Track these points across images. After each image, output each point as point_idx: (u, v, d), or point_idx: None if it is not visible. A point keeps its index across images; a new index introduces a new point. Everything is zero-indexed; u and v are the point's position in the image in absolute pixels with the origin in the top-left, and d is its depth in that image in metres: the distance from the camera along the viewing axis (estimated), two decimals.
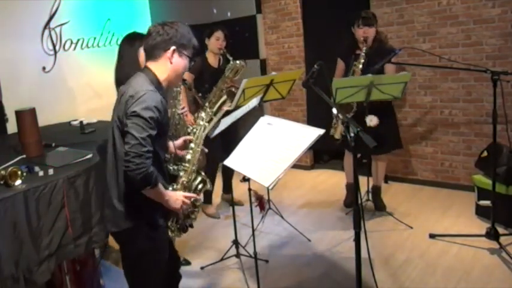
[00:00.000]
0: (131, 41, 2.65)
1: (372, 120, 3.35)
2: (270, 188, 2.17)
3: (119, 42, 2.79)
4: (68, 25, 3.81)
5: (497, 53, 3.81)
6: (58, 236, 2.18)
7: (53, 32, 3.73)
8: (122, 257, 2.09)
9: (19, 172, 2.11)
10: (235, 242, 3.19)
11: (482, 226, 3.28)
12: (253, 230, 2.90)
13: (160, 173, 1.94)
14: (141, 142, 1.74)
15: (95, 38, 4.02)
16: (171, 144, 2.20)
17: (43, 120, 3.08)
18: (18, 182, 2.09)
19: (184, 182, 2.12)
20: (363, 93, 3.25)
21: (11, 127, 3.30)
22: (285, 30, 5.19)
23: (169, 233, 2.08)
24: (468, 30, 3.93)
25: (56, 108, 3.71)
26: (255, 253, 2.77)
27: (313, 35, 5.00)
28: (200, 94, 3.66)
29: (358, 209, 1.92)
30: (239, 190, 3.89)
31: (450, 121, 4.19)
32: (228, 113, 3.01)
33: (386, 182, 4.49)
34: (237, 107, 3.13)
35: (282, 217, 3.77)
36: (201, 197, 2.22)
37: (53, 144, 2.83)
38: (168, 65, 1.91)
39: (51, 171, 2.29)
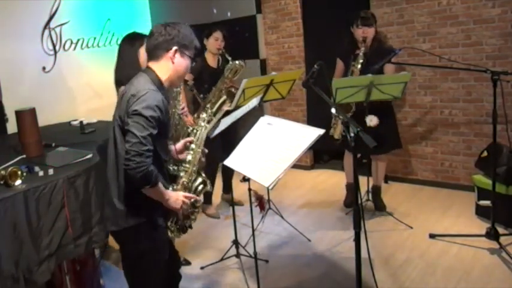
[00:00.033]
0: (131, 41, 2.65)
1: (372, 120, 3.35)
2: (270, 188, 2.17)
3: (119, 42, 2.79)
4: (68, 25, 3.82)
5: (497, 53, 3.81)
6: (58, 236, 2.18)
7: (53, 32, 3.73)
8: (121, 257, 2.09)
9: (19, 172, 2.11)
10: (235, 242, 3.19)
11: (482, 226, 3.28)
12: (253, 230, 2.90)
13: (160, 173, 1.94)
14: (142, 141, 1.75)
15: (95, 38, 4.02)
16: (172, 147, 2.20)
17: (43, 120, 3.08)
18: (18, 182, 2.10)
19: (185, 183, 2.12)
20: (363, 93, 3.25)
21: (11, 127, 3.30)
22: (285, 30, 5.19)
23: (169, 233, 2.08)
24: (468, 30, 3.93)
25: (56, 108, 3.71)
26: (255, 253, 2.77)
27: (313, 35, 5.00)
28: (202, 95, 3.66)
29: (358, 209, 1.92)
30: (239, 190, 3.89)
31: (450, 121, 4.19)
32: (228, 113, 3.01)
33: (386, 182, 4.49)
34: (237, 107, 3.13)
35: (282, 217, 3.77)
36: (201, 198, 2.21)
37: (53, 144, 2.83)
38: (170, 65, 1.93)
39: (51, 171, 2.29)
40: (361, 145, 1.89)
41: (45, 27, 3.68)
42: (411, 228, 3.50)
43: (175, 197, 1.99)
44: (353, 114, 3.50)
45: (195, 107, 3.77)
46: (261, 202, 3.77)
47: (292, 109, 5.33)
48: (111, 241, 2.59)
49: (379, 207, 3.83)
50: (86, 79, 3.94)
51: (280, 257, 3.26)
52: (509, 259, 2.91)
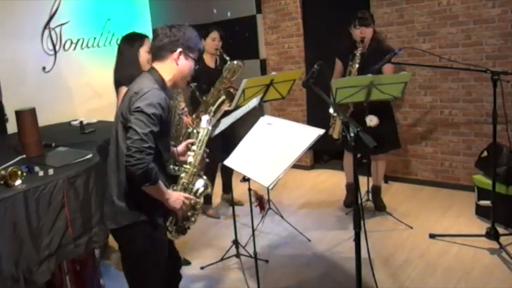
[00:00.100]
0: (131, 41, 2.65)
1: (372, 120, 3.35)
2: (270, 188, 2.17)
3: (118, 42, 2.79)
4: (68, 25, 3.81)
5: (497, 53, 3.81)
6: (58, 236, 2.17)
7: (53, 32, 3.73)
8: (121, 257, 2.09)
9: (19, 172, 2.11)
10: (235, 242, 3.19)
11: (482, 226, 3.28)
12: (253, 230, 2.90)
13: (162, 172, 1.95)
14: (143, 138, 1.76)
15: (95, 38, 4.02)
16: (174, 150, 2.20)
17: (43, 120, 3.08)
18: (18, 182, 2.09)
19: (185, 184, 2.12)
20: (362, 93, 3.25)
21: (11, 127, 3.30)
22: (285, 30, 5.19)
23: (168, 234, 2.07)
24: (468, 30, 3.93)
25: (56, 108, 3.71)
26: (255, 253, 2.77)
27: (313, 35, 5.00)
28: (204, 98, 3.66)
29: (358, 209, 1.92)
30: (239, 190, 3.89)
31: (450, 121, 4.19)
32: (228, 113, 3.00)
33: (386, 182, 4.49)
34: (237, 107, 3.13)
35: (282, 217, 3.77)
36: (201, 200, 2.21)
37: (53, 144, 2.83)
38: (174, 66, 1.95)
39: (51, 171, 2.28)
40: (360, 145, 1.89)
41: (45, 27, 3.68)
42: (411, 228, 3.50)
43: (176, 196, 1.99)
44: (351, 114, 3.51)
45: (194, 107, 3.76)
46: (261, 202, 3.77)
47: (292, 109, 5.33)
48: (111, 241, 2.59)
49: (379, 207, 3.83)
50: (86, 79, 3.94)
51: (280, 257, 3.26)
52: (509, 259, 2.91)
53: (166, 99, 1.88)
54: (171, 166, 2.45)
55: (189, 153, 2.19)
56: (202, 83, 3.73)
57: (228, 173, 3.88)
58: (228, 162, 2.53)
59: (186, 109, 3.26)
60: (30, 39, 3.59)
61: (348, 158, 3.92)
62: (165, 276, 2.10)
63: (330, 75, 3.70)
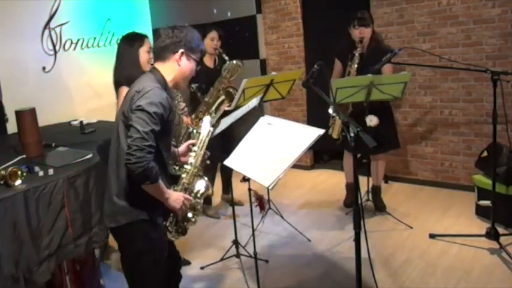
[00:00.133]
0: (131, 41, 2.65)
1: (372, 120, 3.35)
2: (270, 188, 2.18)
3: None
4: (68, 25, 3.81)
5: (497, 53, 3.81)
6: (58, 236, 2.17)
7: (53, 32, 3.73)
8: (121, 256, 2.09)
9: (19, 172, 2.11)
10: (235, 242, 3.19)
11: (482, 226, 3.28)
12: (253, 230, 2.90)
13: (162, 172, 1.95)
14: (144, 136, 1.77)
15: (95, 38, 4.02)
16: (175, 150, 2.20)
17: (43, 120, 3.08)
18: (18, 182, 2.09)
19: (185, 184, 2.12)
20: (362, 93, 3.25)
21: (11, 127, 3.30)
22: (285, 30, 5.19)
23: (168, 234, 2.07)
24: (468, 30, 3.93)
25: (56, 108, 3.71)
26: (255, 253, 2.77)
27: (313, 35, 5.00)
28: (206, 99, 3.65)
29: (358, 209, 1.92)
30: (239, 190, 3.89)
31: (450, 121, 4.19)
32: (228, 113, 3.00)
33: (386, 182, 4.49)
34: (237, 107, 3.13)
35: (282, 217, 3.77)
36: (201, 201, 2.21)
37: (53, 144, 2.83)
38: (176, 67, 1.97)
39: (51, 171, 2.28)
40: (360, 145, 1.89)
41: (45, 27, 3.68)
42: (411, 228, 3.50)
43: (176, 196, 1.99)
44: (350, 114, 3.51)
45: (193, 107, 3.76)
46: (261, 202, 3.78)
47: (292, 109, 5.33)
48: (111, 241, 2.59)
49: (379, 207, 3.83)
50: (86, 79, 3.94)
51: (280, 257, 3.26)
52: (509, 259, 2.91)
53: (168, 98, 1.89)
54: (172, 166, 2.45)
55: (190, 153, 2.19)
56: (201, 83, 3.73)
57: (227, 173, 3.88)
58: (228, 162, 2.53)
59: (186, 109, 3.27)
60: (30, 39, 3.59)
61: (348, 158, 3.92)
62: (165, 276, 2.10)
63: (329, 75, 3.71)
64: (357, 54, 3.51)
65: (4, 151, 2.78)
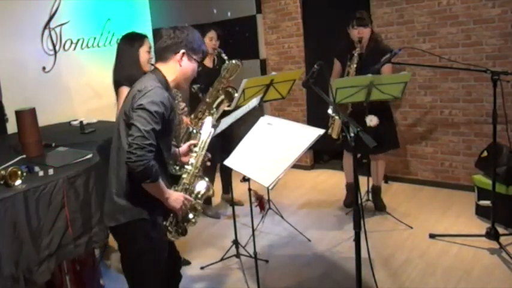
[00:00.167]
0: (131, 41, 2.65)
1: (372, 120, 3.35)
2: (270, 188, 2.17)
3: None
4: (68, 25, 3.81)
5: (497, 53, 3.81)
6: (58, 236, 2.17)
7: (53, 32, 3.73)
8: (121, 256, 2.10)
9: (19, 172, 2.11)
10: (235, 242, 3.19)
11: (482, 226, 3.28)
12: (253, 230, 2.90)
13: (163, 172, 1.96)
14: (145, 135, 1.77)
15: (95, 38, 4.02)
16: (176, 150, 2.20)
17: (43, 120, 3.08)
18: (18, 182, 2.09)
19: (186, 184, 2.12)
20: (363, 93, 3.25)
21: (11, 127, 3.30)
22: (285, 30, 5.19)
23: (168, 234, 2.07)
24: (468, 30, 3.93)
25: (56, 108, 3.71)
26: (255, 253, 2.77)
27: (313, 35, 5.00)
28: (206, 99, 3.65)
29: (358, 209, 1.92)
30: (239, 190, 3.89)
31: (450, 121, 4.19)
32: (228, 113, 3.00)
33: (386, 182, 4.49)
34: (237, 107, 3.13)
35: (282, 217, 3.77)
36: (201, 201, 2.21)
37: (53, 144, 2.83)
38: (177, 67, 1.98)
39: (51, 171, 2.29)
40: (360, 145, 1.89)
41: (45, 27, 3.68)
42: (411, 228, 3.50)
43: (176, 196, 1.99)
44: (350, 114, 3.51)
45: (192, 107, 3.76)
46: (261, 202, 3.77)
47: (292, 109, 5.33)
48: (111, 241, 2.59)
49: (379, 207, 3.83)
50: (85, 79, 3.94)
51: (280, 257, 3.26)
52: (509, 259, 2.91)
53: (169, 98, 1.90)
54: (173, 166, 2.45)
55: (191, 154, 2.20)
56: (200, 82, 3.73)
57: (227, 173, 3.88)
58: (228, 162, 2.53)
59: (186, 109, 3.27)
60: (30, 39, 3.59)
61: (348, 158, 3.92)
62: (165, 276, 2.10)
63: (329, 75, 3.71)
64: (356, 54, 3.51)
65: (4, 151, 2.78)
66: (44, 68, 3.69)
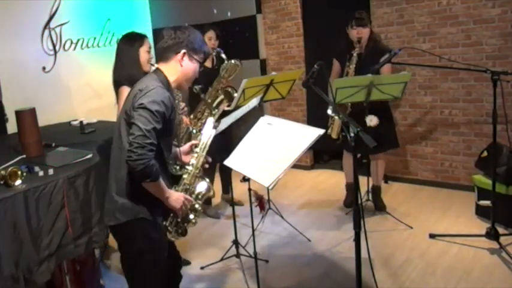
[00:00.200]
0: (131, 41, 2.65)
1: (372, 120, 3.36)
2: (270, 188, 2.17)
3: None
4: (68, 25, 3.82)
5: (497, 53, 3.81)
6: (58, 236, 2.17)
7: (53, 32, 3.73)
8: (120, 256, 2.09)
9: (19, 172, 2.11)
10: (235, 242, 3.19)
11: (482, 226, 3.28)
12: (253, 230, 2.90)
13: (163, 172, 1.96)
14: (145, 134, 1.78)
15: (95, 38, 4.02)
16: (177, 150, 2.21)
17: (43, 120, 3.08)
18: (18, 182, 2.09)
19: (186, 185, 2.12)
20: (363, 93, 3.25)
21: (11, 127, 3.30)
22: (285, 30, 5.19)
23: (167, 235, 2.07)
24: (468, 30, 3.93)
25: (56, 108, 3.71)
26: (255, 253, 2.77)
27: (313, 35, 5.00)
28: (210, 100, 3.65)
29: (358, 209, 1.92)
30: (239, 190, 3.89)
31: (450, 121, 4.19)
32: (228, 113, 3.00)
33: (386, 182, 4.49)
34: (237, 107, 3.13)
35: (282, 217, 3.77)
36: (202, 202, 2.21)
37: (53, 144, 2.83)
38: (179, 68, 1.99)
39: (51, 171, 2.29)
40: (360, 145, 1.89)
41: (45, 27, 3.68)
42: (411, 228, 3.50)
43: (176, 196, 1.99)
44: (349, 114, 3.50)
45: (191, 107, 3.75)
46: (261, 202, 3.77)
47: (292, 109, 5.33)
48: (111, 241, 2.59)
49: (379, 207, 3.83)
50: (86, 79, 3.94)
51: (280, 257, 3.26)
52: (509, 259, 2.91)
53: (170, 97, 1.90)
54: (173, 166, 2.44)
55: (192, 154, 2.20)
56: (199, 82, 3.72)
57: (227, 173, 3.88)
58: (228, 162, 2.53)
59: (186, 108, 3.27)
60: (30, 39, 3.59)
61: (347, 158, 3.92)
62: (165, 276, 2.10)
63: (329, 75, 3.71)
64: (355, 55, 3.52)
65: (4, 151, 2.78)
66: (44, 68, 3.69)
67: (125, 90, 2.41)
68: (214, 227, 3.87)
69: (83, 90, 3.93)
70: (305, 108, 5.21)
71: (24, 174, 2.15)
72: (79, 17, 3.88)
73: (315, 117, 4.97)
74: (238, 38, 5.40)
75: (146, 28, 4.27)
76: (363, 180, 3.55)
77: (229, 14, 5.50)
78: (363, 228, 1.93)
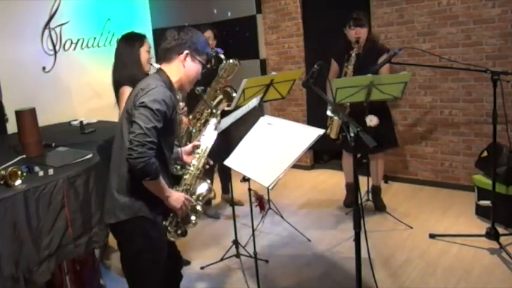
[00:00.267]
0: (131, 41, 2.65)
1: (372, 120, 3.36)
2: (270, 188, 2.17)
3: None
4: (68, 25, 3.82)
5: (497, 53, 3.81)
6: (58, 236, 2.18)
7: (53, 32, 3.73)
8: (120, 255, 2.10)
9: (19, 172, 2.11)
10: (235, 242, 3.19)
11: (482, 226, 3.28)
12: (253, 230, 2.90)
13: (164, 171, 1.96)
14: (146, 132, 1.79)
15: (95, 38, 4.02)
16: (178, 150, 2.21)
17: (43, 120, 3.08)
18: (18, 182, 2.10)
19: (187, 185, 2.12)
20: (363, 93, 3.25)
21: (11, 127, 3.30)
22: (285, 30, 5.19)
23: (167, 235, 2.07)
24: (468, 30, 3.93)
25: (56, 108, 3.72)
26: (255, 253, 2.77)
27: (313, 35, 5.00)
28: (206, 100, 3.64)
29: (358, 209, 1.92)
30: (239, 190, 3.89)
31: (450, 121, 4.19)
32: (228, 113, 3.00)
33: (386, 182, 4.49)
34: (237, 107, 3.13)
35: (282, 217, 3.77)
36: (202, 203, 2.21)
37: (53, 144, 2.83)
38: (181, 68, 2.00)
39: (51, 171, 2.29)
40: (360, 145, 1.89)
41: (45, 27, 3.68)
42: (411, 228, 3.50)
43: (177, 196, 2.00)
44: (349, 114, 3.51)
45: (190, 107, 3.75)
46: (261, 202, 3.77)
47: (292, 109, 5.33)
48: (111, 241, 2.59)
49: (379, 207, 3.83)
50: (86, 79, 3.94)
51: (280, 257, 3.26)
52: (509, 259, 2.91)
53: (171, 97, 1.91)
54: (174, 166, 2.44)
55: (193, 155, 2.20)
56: (198, 83, 3.71)
57: (226, 173, 3.88)
58: (228, 162, 2.53)
59: (185, 108, 3.26)
60: (30, 39, 3.60)
61: (347, 159, 3.92)
62: (165, 276, 2.10)
63: (327, 75, 3.71)
64: (353, 55, 3.53)
65: (4, 151, 2.78)
66: (44, 68, 3.69)
67: (127, 90, 2.41)
68: (214, 227, 3.87)
69: (83, 90, 3.93)
70: (305, 108, 5.21)
71: (24, 174, 2.15)
72: (79, 17, 3.88)
73: (315, 117, 4.96)
74: (238, 38, 5.40)
75: (146, 28, 4.27)
76: (362, 180, 3.54)
77: (229, 14, 5.50)
78: (363, 228, 1.93)
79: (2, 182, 2.07)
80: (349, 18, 3.56)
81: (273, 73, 3.96)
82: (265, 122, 2.54)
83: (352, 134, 1.89)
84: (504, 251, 2.99)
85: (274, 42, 5.32)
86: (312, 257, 3.25)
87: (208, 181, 2.21)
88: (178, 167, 2.36)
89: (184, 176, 2.14)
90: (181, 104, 3.20)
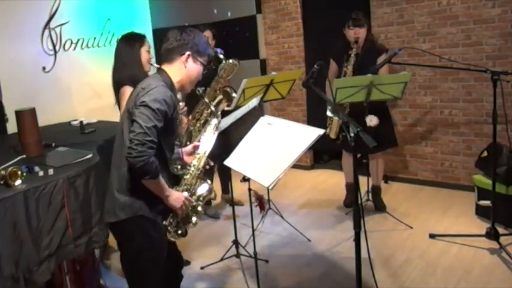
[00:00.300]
0: (131, 41, 2.65)
1: (372, 120, 3.36)
2: (270, 188, 2.17)
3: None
4: (68, 25, 3.82)
5: (497, 53, 3.81)
6: (58, 236, 2.17)
7: (53, 32, 3.73)
8: (120, 255, 2.10)
9: (19, 172, 2.11)
10: (235, 242, 3.19)
11: (482, 226, 3.28)
12: (253, 230, 2.90)
13: (165, 171, 1.97)
14: (146, 131, 1.79)
15: (95, 38, 4.02)
16: (179, 150, 2.21)
17: (43, 120, 3.08)
18: (18, 182, 2.09)
19: (187, 186, 2.12)
20: (363, 93, 3.25)
21: (11, 127, 3.30)
22: (285, 30, 5.19)
23: (167, 235, 2.07)
24: (468, 30, 3.93)
25: (56, 108, 3.71)
26: (255, 253, 2.77)
27: (313, 35, 5.00)
28: (206, 100, 3.63)
29: (358, 209, 1.92)
30: (239, 190, 3.89)
31: (450, 121, 4.19)
32: (228, 113, 3.00)
33: (386, 182, 4.49)
34: (237, 107, 3.13)
35: (282, 217, 3.77)
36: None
37: (53, 144, 2.83)
38: (183, 69, 2.01)
39: (51, 171, 2.29)
40: (359, 145, 1.89)
41: (45, 27, 3.68)
42: (411, 228, 3.50)
43: (177, 195, 2.00)
44: (349, 114, 3.50)
45: (189, 107, 3.74)
46: (261, 202, 3.77)
47: (292, 109, 5.33)
48: (111, 241, 2.59)
49: (379, 207, 3.83)
50: (86, 79, 3.94)
51: (280, 257, 3.26)
52: (509, 259, 2.91)
53: (172, 96, 1.91)
54: (174, 165, 2.44)
55: (194, 155, 2.20)
56: (198, 83, 3.70)
57: (226, 173, 3.88)
58: (228, 162, 2.53)
59: (185, 108, 3.26)
60: (30, 39, 3.60)
61: (347, 159, 3.92)
62: (165, 276, 2.10)
63: (327, 75, 3.71)
64: (352, 55, 3.53)
65: (4, 151, 2.78)
66: (44, 68, 3.69)
67: (127, 90, 2.41)
68: (214, 227, 3.87)
69: (83, 90, 3.93)
70: (305, 108, 5.21)
71: (24, 174, 2.15)
72: (79, 17, 3.88)
73: (315, 117, 4.96)
74: (238, 38, 5.40)
75: (146, 28, 4.27)
76: (362, 180, 3.54)
77: (229, 14, 5.50)
78: (363, 228, 1.93)
79: (2, 182, 2.07)
80: (348, 19, 3.56)
81: (273, 73, 3.96)
82: (265, 122, 2.54)
83: (352, 134, 1.89)
84: (504, 251, 2.99)
85: (274, 42, 5.32)
86: (312, 257, 3.25)
87: (209, 182, 2.21)
88: (179, 167, 2.36)
89: (185, 176, 2.14)
90: (181, 104, 3.20)
